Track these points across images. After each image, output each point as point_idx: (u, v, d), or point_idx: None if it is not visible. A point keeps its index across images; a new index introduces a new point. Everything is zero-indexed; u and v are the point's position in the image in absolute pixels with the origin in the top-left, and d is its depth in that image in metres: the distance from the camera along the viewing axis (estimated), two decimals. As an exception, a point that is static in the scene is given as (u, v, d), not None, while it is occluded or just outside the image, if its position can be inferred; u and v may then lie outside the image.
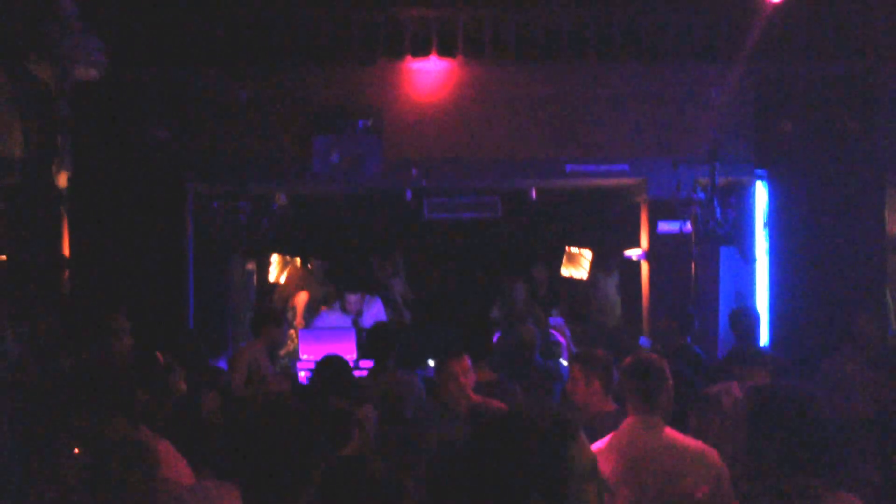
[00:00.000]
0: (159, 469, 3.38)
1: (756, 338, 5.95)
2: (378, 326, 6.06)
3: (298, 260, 10.41)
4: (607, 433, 3.78)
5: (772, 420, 2.77)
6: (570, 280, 10.87)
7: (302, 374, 7.16)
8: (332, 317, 8.13)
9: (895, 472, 4.65)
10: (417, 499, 2.94)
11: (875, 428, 5.10)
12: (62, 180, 7.38)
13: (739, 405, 3.92)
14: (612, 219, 10.39)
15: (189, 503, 3.21)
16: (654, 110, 7.75)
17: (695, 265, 8.52)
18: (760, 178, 8.05)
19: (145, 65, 7.39)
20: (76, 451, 3.63)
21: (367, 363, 7.34)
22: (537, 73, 7.76)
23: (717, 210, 7.18)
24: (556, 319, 7.70)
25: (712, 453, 3.51)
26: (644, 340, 7.93)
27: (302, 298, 9.19)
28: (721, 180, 7.29)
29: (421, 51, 7.64)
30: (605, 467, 3.49)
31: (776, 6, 7.34)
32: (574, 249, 10.91)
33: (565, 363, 6.65)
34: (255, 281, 10.64)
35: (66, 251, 7.38)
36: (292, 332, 8.32)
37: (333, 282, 9.61)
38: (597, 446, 3.57)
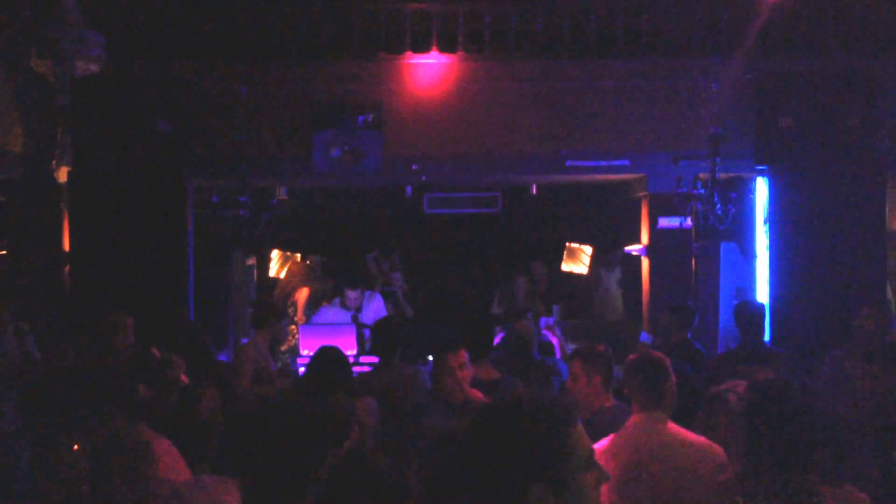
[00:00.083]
0: (155, 466, 3.39)
1: (761, 333, 5.95)
2: (383, 322, 6.07)
3: (299, 255, 10.42)
4: (608, 429, 3.79)
5: (768, 416, 2.78)
6: (571, 275, 10.87)
7: (302, 369, 7.16)
8: (331, 312, 8.13)
9: (894, 467, 4.66)
10: (417, 491, 2.95)
11: (874, 424, 5.11)
12: (62, 175, 7.38)
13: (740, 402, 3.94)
14: (612, 214, 10.39)
15: (187, 497, 3.21)
16: (655, 105, 7.75)
17: (695, 261, 8.53)
18: (761, 173, 8.04)
19: (145, 59, 7.38)
20: (76, 447, 3.64)
21: (367, 359, 7.35)
22: (537, 69, 7.75)
23: (718, 205, 7.18)
24: (547, 319, 7.70)
25: (717, 449, 3.55)
26: (644, 336, 7.93)
27: (303, 294, 9.19)
28: (721, 175, 7.28)
29: (421, 46, 7.63)
30: (613, 464, 3.51)
31: (776, 1, 7.33)
32: (574, 245, 10.91)
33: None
34: (255, 276, 10.65)
35: (66, 246, 7.38)
36: (293, 327, 8.32)
37: (332, 277, 9.61)
38: (602, 443, 3.59)
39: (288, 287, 9.62)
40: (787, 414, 2.76)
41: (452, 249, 11.71)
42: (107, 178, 7.27)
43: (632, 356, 3.91)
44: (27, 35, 6.48)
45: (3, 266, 7.09)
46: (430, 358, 6.95)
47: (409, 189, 9.49)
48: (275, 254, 10.40)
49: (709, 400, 3.75)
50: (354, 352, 7.37)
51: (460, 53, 7.65)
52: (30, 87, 6.97)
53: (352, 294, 7.98)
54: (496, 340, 6.37)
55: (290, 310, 8.87)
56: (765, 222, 8.02)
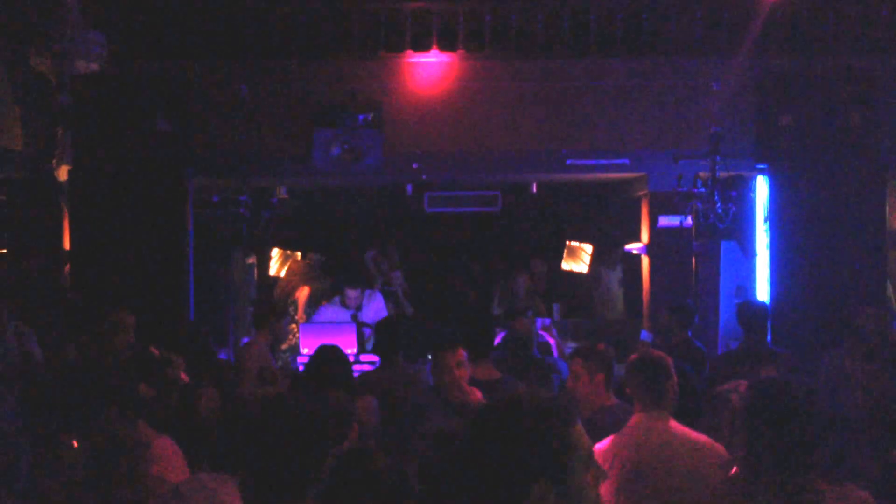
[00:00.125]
0: (152, 464, 3.39)
1: (764, 333, 5.96)
2: (386, 321, 6.07)
3: (299, 254, 10.42)
4: (609, 427, 3.80)
5: (767, 415, 2.79)
6: (571, 274, 10.88)
7: (302, 367, 7.16)
8: (331, 311, 8.13)
9: (893, 465, 4.66)
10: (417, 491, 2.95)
11: (874, 422, 5.11)
12: (62, 174, 7.38)
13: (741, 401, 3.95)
14: (612, 213, 10.40)
15: (186, 496, 3.21)
16: (655, 104, 7.74)
17: (695, 259, 8.53)
18: (761, 172, 8.04)
19: (146, 58, 7.38)
20: (74, 443, 3.65)
21: (368, 357, 7.36)
22: (538, 67, 7.75)
23: (718, 204, 7.18)
24: (543, 320, 7.70)
25: (719, 448, 3.57)
26: (645, 334, 7.93)
27: (304, 293, 9.19)
28: (722, 174, 7.28)
29: (422, 45, 7.63)
30: (616, 463, 3.52)
31: (777, 1, 7.33)
32: (574, 243, 10.91)
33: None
34: (255, 275, 10.65)
35: (67, 245, 7.39)
36: (293, 326, 8.33)
37: (331, 276, 9.61)
38: (605, 443, 3.60)
39: (289, 286, 9.62)
40: (787, 413, 2.77)
41: (453, 248, 11.71)
42: (107, 176, 7.28)
43: (634, 355, 3.93)
44: (27, 34, 6.47)
45: (4, 265, 7.09)
46: (431, 357, 6.97)
47: (409, 188, 9.50)
48: (275, 253, 10.41)
49: (712, 400, 3.77)
50: (354, 350, 7.37)
51: (461, 52, 7.65)
52: (30, 85, 6.97)
53: (352, 293, 7.97)
54: (497, 340, 6.36)
55: (291, 308, 8.87)
56: (765, 221, 8.03)
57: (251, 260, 10.33)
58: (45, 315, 6.50)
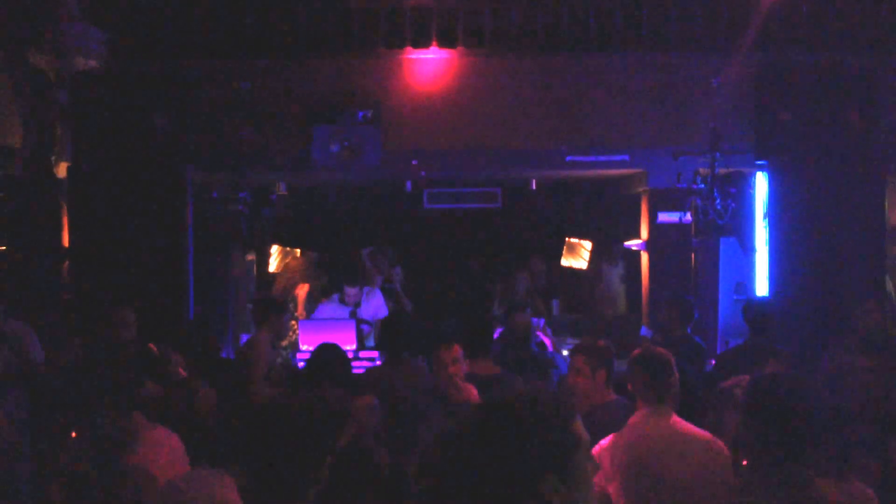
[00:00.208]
0: (133, 453, 3.40)
1: (769, 330, 5.97)
2: (392, 318, 6.09)
3: (298, 251, 10.42)
4: (608, 423, 3.82)
5: (765, 409, 2.80)
6: (571, 271, 10.88)
7: (302, 364, 7.17)
8: (330, 308, 8.13)
9: (892, 461, 4.67)
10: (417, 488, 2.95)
11: (873, 417, 5.12)
12: (61, 170, 7.38)
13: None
14: (612, 209, 10.39)
15: (183, 490, 3.22)
16: (655, 101, 7.74)
17: (695, 256, 8.53)
18: (761, 168, 8.04)
19: (145, 55, 7.37)
20: (73, 434, 3.66)
21: (367, 354, 7.36)
22: (537, 64, 7.74)
23: (717, 200, 7.18)
24: (538, 320, 7.71)
25: (720, 443, 3.59)
26: (644, 331, 7.94)
27: (304, 289, 9.19)
28: (721, 171, 7.28)
29: (421, 41, 7.62)
30: (621, 459, 3.54)
31: (777, -4, 7.32)
32: (574, 240, 10.91)
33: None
34: (255, 272, 10.64)
35: (66, 241, 7.38)
36: (293, 322, 8.33)
37: (327, 273, 9.62)
38: (608, 440, 3.61)
39: (289, 283, 9.62)
40: (785, 407, 2.77)
41: (452, 245, 11.71)
42: (106, 173, 7.27)
43: (636, 351, 3.94)
44: (26, 30, 6.46)
45: (2, 263, 7.09)
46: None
47: (408, 185, 9.50)
48: (274, 249, 10.40)
49: (716, 396, 3.78)
50: (354, 347, 7.38)
51: (460, 49, 7.64)
52: (29, 82, 6.96)
53: (351, 291, 7.98)
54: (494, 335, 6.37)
55: (291, 305, 8.87)
56: (764, 217, 8.04)
57: (251, 257, 10.33)
58: (44, 313, 6.50)
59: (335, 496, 2.52)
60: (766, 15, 7.44)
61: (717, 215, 7.19)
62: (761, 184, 8.32)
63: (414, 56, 7.64)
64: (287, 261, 10.31)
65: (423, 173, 8.72)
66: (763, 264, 8.13)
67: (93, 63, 6.47)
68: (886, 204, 7.64)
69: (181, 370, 5.05)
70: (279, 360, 7.12)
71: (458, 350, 4.78)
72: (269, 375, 6.05)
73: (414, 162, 8.22)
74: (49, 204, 7.24)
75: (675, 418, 3.68)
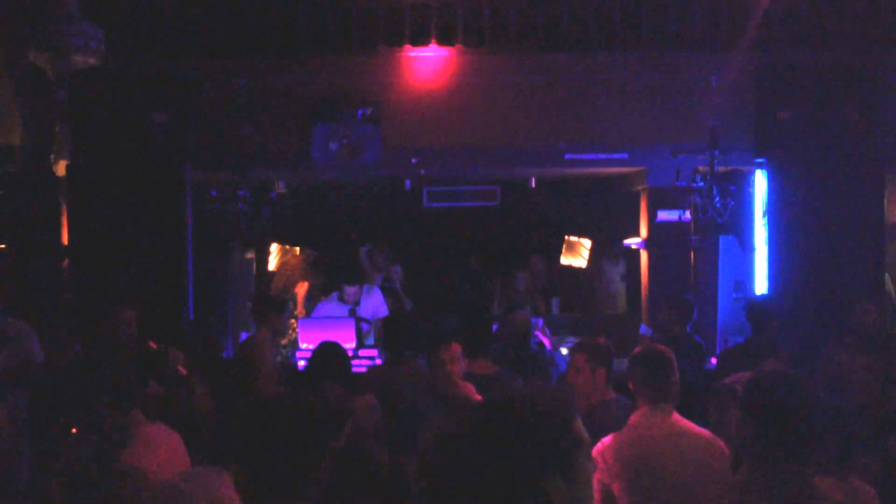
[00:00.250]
0: (125, 450, 3.41)
1: (773, 329, 5.99)
2: (395, 317, 6.09)
3: (297, 249, 10.41)
4: (608, 421, 3.82)
5: (762, 407, 2.80)
6: (570, 269, 10.88)
7: (302, 363, 7.17)
8: (329, 307, 8.14)
9: (891, 459, 4.67)
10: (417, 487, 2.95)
11: (871, 415, 5.12)
12: (60, 168, 7.37)
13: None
14: (611, 207, 10.39)
15: (181, 488, 3.23)
16: (654, 98, 7.74)
17: (694, 254, 8.53)
18: (760, 166, 8.04)
19: (144, 53, 7.37)
20: (74, 430, 3.66)
21: (366, 352, 7.37)
22: (537, 62, 7.74)
23: (717, 199, 7.18)
24: (536, 320, 7.72)
25: (719, 441, 3.60)
26: (644, 329, 7.94)
27: (303, 288, 9.19)
28: (720, 169, 7.28)
29: (420, 39, 7.61)
30: (626, 456, 3.54)
31: (776, -6, 7.32)
32: (573, 238, 10.91)
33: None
34: (254, 270, 10.64)
35: (65, 240, 7.38)
36: (293, 321, 8.33)
37: (325, 271, 9.62)
38: (610, 438, 3.62)
39: (289, 281, 9.62)
40: (783, 406, 2.78)
41: (451, 243, 11.71)
42: (105, 171, 7.26)
43: (637, 349, 3.94)
44: (25, 28, 6.46)
45: (2, 261, 7.09)
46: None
47: (408, 183, 9.49)
48: (274, 248, 10.40)
49: (719, 393, 3.79)
50: (353, 345, 7.38)
51: (459, 47, 7.63)
52: (28, 80, 6.96)
53: (350, 290, 7.99)
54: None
55: (290, 304, 8.87)
56: (763, 215, 8.03)
57: (250, 255, 10.33)
58: (44, 312, 6.50)
59: (335, 496, 2.52)
60: (766, 13, 7.44)
61: (716, 213, 7.19)
62: (760, 182, 8.31)
63: (413, 54, 7.63)
64: (286, 259, 10.31)
65: (422, 171, 8.72)
66: (762, 262, 8.13)
67: (92, 61, 6.46)
68: (886, 202, 7.64)
69: (181, 368, 5.05)
70: (279, 358, 7.13)
71: (456, 349, 4.79)
72: (272, 375, 6.05)
73: (413, 160, 8.22)
74: (48, 202, 7.24)
75: (677, 416, 3.69)
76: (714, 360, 7.12)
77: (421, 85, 7.64)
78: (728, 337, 7.62)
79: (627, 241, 9.10)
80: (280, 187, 9.58)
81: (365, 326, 7.93)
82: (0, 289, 6.40)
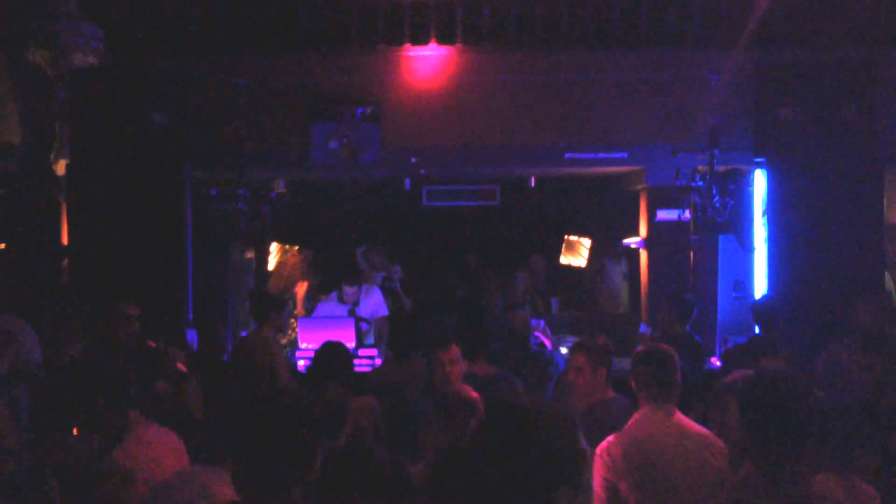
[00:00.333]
0: (121, 456, 3.42)
1: (774, 328, 6.00)
2: (402, 317, 6.10)
3: (296, 248, 10.41)
4: (608, 420, 3.83)
5: (759, 406, 2.81)
6: (570, 268, 10.88)
7: (301, 362, 7.17)
8: (329, 306, 8.14)
9: (890, 457, 4.67)
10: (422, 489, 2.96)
11: (870, 414, 5.12)
12: (60, 168, 7.37)
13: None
14: (611, 207, 10.39)
15: (178, 487, 3.23)
16: (654, 98, 7.74)
17: (693, 253, 8.53)
18: (759, 165, 8.04)
19: (143, 52, 7.37)
20: (74, 430, 3.67)
21: (366, 352, 7.37)
22: (536, 61, 7.74)
23: (716, 198, 7.18)
24: (537, 321, 7.72)
25: (718, 440, 3.62)
26: (644, 328, 7.94)
27: (303, 287, 9.19)
28: (720, 168, 7.28)
29: (420, 38, 7.62)
30: (628, 456, 3.55)
31: (776, -7, 7.32)
32: (573, 237, 10.91)
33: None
34: (254, 269, 10.64)
35: (65, 239, 7.38)
36: (292, 321, 8.33)
37: (323, 271, 9.62)
38: (616, 436, 3.62)
39: (288, 280, 9.63)
40: (780, 404, 2.78)
41: (451, 243, 11.70)
42: (105, 170, 7.27)
43: (640, 348, 3.95)
44: (25, 27, 6.46)
45: (1, 260, 7.09)
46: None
47: (407, 182, 9.49)
48: (274, 247, 10.40)
49: (717, 392, 3.79)
50: (353, 345, 7.39)
51: (459, 46, 7.64)
52: (27, 79, 6.95)
53: (349, 290, 7.99)
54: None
55: (290, 303, 8.87)
56: (763, 215, 8.03)
57: (250, 255, 10.33)
58: (43, 311, 6.50)
59: (335, 496, 2.52)
60: (765, 12, 7.44)
61: (715, 213, 7.19)
62: (760, 181, 8.31)
63: (413, 53, 7.63)
64: (285, 259, 10.31)
65: (422, 170, 8.72)
66: (762, 262, 8.13)
67: (91, 60, 6.47)
68: (885, 201, 7.64)
69: (180, 365, 5.05)
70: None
71: (455, 351, 4.79)
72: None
73: (413, 159, 8.22)
74: (48, 202, 7.24)
75: (679, 415, 3.71)
76: (714, 360, 7.13)
77: (421, 84, 7.64)
78: (728, 336, 7.62)
79: (627, 241, 9.10)
80: (280, 187, 9.58)
81: (364, 326, 7.93)
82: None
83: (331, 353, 4.76)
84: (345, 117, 7.42)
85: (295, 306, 8.89)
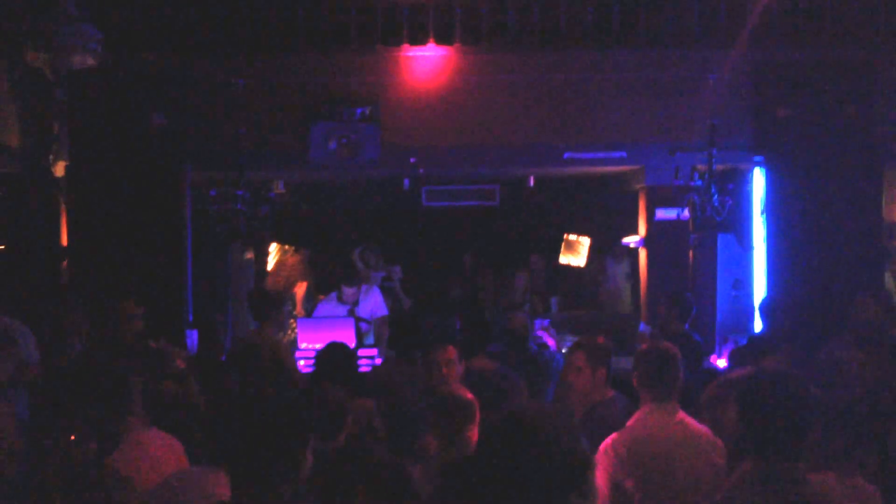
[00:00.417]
0: (119, 459, 3.42)
1: (776, 327, 6.02)
2: (403, 317, 6.11)
3: (293, 249, 10.42)
4: (608, 419, 3.84)
5: (755, 404, 2.82)
6: (569, 268, 10.87)
7: (301, 362, 7.17)
8: (328, 307, 8.14)
9: (890, 455, 4.68)
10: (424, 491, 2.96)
11: (870, 412, 5.12)
12: (59, 169, 7.37)
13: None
14: (610, 206, 10.39)
15: (176, 488, 3.24)
16: (652, 97, 7.74)
17: (693, 252, 8.54)
18: (758, 164, 8.05)
19: (142, 52, 7.37)
20: (72, 437, 3.67)
21: (365, 352, 7.37)
22: (535, 60, 7.74)
23: (715, 197, 7.19)
24: (542, 321, 7.73)
25: (718, 439, 3.63)
26: (643, 326, 7.95)
27: (302, 288, 9.19)
28: (718, 167, 7.29)
29: (418, 38, 7.62)
30: (636, 453, 3.56)
31: (774, -8, 7.32)
32: (572, 237, 10.91)
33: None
34: (253, 269, 10.64)
35: (64, 240, 7.38)
36: (292, 321, 8.34)
37: (321, 271, 9.62)
38: (620, 434, 3.63)
39: (288, 280, 9.63)
40: (776, 402, 2.79)
41: (451, 243, 11.70)
42: (104, 171, 7.27)
43: (643, 346, 3.97)
44: (23, 28, 6.46)
45: (1, 261, 7.09)
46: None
47: (406, 182, 9.48)
48: (273, 247, 10.40)
49: (716, 391, 3.80)
50: (353, 345, 7.38)
51: (457, 46, 7.64)
52: (26, 80, 6.95)
53: (348, 290, 8.00)
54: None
55: (289, 303, 8.87)
56: (762, 213, 8.04)
57: (249, 255, 10.33)
58: (43, 312, 6.50)
59: (335, 496, 2.53)
60: (764, 11, 7.44)
61: (714, 212, 7.20)
62: (759, 180, 8.32)
63: (412, 53, 7.64)
64: (284, 258, 10.31)
65: (421, 170, 8.72)
66: (761, 260, 8.14)
67: (90, 61, 6.46)
68: (884, 199, 7.65)
69: (179, 361, 5.06)
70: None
71: (452, 352, 4.79)
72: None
73: (412, 159, 8.22)
74: (47, 203, 7.24)
75: (682, 414, 3.72)
76: (713, 358, 7.13)
77: (419, 84, 7.65)
78: (727, 335, 7.62)
79: (626, 240, 9.10)
80: (279, 187, 9.58)
81: (364, 326, 7.93)
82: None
83: (334, 355, 4.77)
84: (344, 117, 7.43)
85: (294, 306, 8.90)
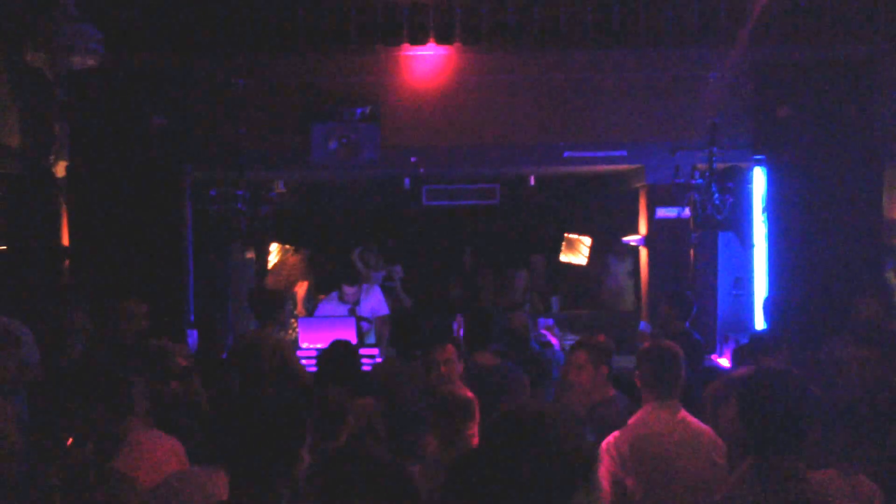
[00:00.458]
0: (119, 460, 3.43)
1: (778, 326, 6.03)
2: (407, 316, 6.12)
3: (293, 248, 10.43)
4: (610, 418, 3.85)
5: (754, 402, 2.82)
6: (570, 267, 10.88)
7: (302, 362, 7.17)
8: (329, 306, 8.15)
9: (890, 453, 4.68)
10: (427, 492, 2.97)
11: (871, 411, 5.12)
12: (60, 169, 7.38)
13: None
14: (610, 205, 10.40)
15: (177, 488, 3.25)
16: (653, 96, 7.74)
17: (693, 251, 8.54)
18: (759, 163, 8.04)
19: (143, 53, 7.37)
20: (69, 441, 3.67)
21: (367, 351, 7.37)
22: (535, 60, 7.74)
23: (716, 195, 7.19)
24: (546, 320, 7.73)
25: (719, 438, 3.64)
26: (643, 325, 7.95)
27: (303, 287, 9.20)
28: (719, 165, 7.29)
29: (419, 38, 7.61)
30: (638, 451, 3.56)
31: (774, -10, 7.31)
32: (573, 236, 10.92)
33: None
34: (253, 269, 10.65)
35: (65, 240, 7.39)
36: (293, 320, 8.34)
37: (321, 270, 9.62)
38: (621, 432, 3.64)
39: (289, 280, 9.63)
40: (775, 401, 2.80)
41: (452, 242, 11.71)
42: (105, 172, 7.28)
43: (645, 345, 3.97)
44: (23, 29, 6.46)
45: (2, 262, 7.09)
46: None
47: (407, 181, 9.50)
48: (274, 247, 10.41)
49: (716, 390, 3.81)
50: (354, 344, 7.38)
51: (458, 45, 7.63)
52: (26, 81, 6.96)
53: (349, 290, 8.01)
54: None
55: (290, 303, 8.88)
56: (763, 212, 8.04)
57: (250, 255, 10.34)
58: (43, 313, 6.50)
59: (335, 496, 2.53)
60: (764, 9, 7.44)
61: (715, 210, 7.20)
62: (759, 178, 8.32)
63: (412, 53, 7.63)
64: (285, 258, 10.32)
65: (421, 170, 8.73)
66: (762, 259, 8.14)
67: (90, 61, 6.46)
68: (884, 197, 7.65)
69: (180, 359, 5.06)
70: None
71: (451, 350, 4.80)
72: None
73: (413, 159, 8.22)
74: (48, 203, 7.24)
75: (684, 413, 3.73)
76: (714, 357, 7.14)
77: (420, 84, 7.65)
78: (728, 333, 7.63)
79: (627, 238, 9.11)
80: (279, 187, 9.59)
81: (365, 325, 7.94)
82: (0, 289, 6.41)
83: (338, 354, 4.77)
84: (344, 117, 7.43)
85: (295, 306, 8.90)
